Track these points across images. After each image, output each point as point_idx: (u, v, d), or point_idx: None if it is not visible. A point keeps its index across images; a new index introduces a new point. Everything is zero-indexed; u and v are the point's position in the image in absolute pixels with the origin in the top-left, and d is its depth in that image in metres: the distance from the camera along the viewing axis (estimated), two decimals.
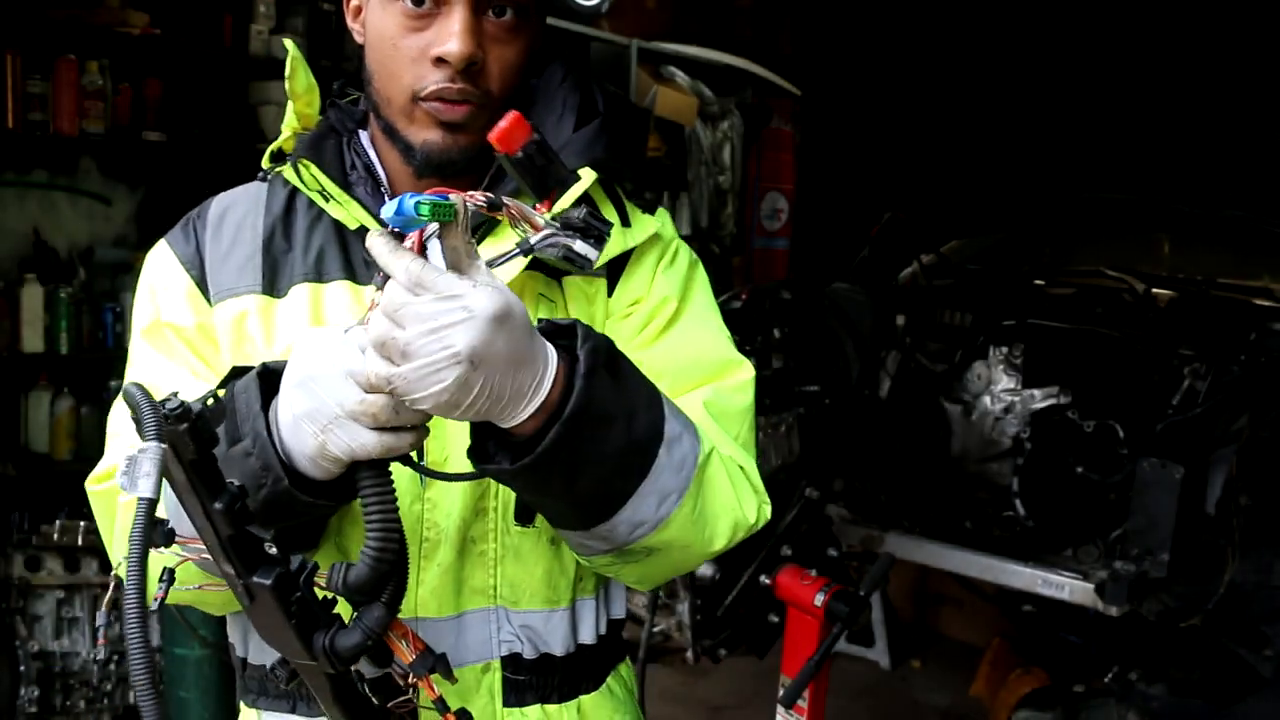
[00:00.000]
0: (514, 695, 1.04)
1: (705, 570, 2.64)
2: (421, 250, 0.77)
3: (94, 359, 3.19)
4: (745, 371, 1.10)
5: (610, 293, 1.07)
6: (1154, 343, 2.85)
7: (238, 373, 0.87)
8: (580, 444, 0.82)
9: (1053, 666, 3.33)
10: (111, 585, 0.76)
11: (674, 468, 0.91)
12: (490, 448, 0.85)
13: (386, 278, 0.77)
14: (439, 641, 0.98)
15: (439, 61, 0.96)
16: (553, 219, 0.84)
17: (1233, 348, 2.75)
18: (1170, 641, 2.89)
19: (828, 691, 1.95)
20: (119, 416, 1.03)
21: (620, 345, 0.93)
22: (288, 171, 1.05)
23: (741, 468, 1.03)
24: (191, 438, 0.72)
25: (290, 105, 1.06)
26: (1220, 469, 2.57)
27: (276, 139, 1.08)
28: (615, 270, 1.07)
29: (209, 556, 0.79)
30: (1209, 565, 2.58)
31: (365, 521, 0.80)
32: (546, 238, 0.83)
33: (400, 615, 0.94)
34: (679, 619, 3.83)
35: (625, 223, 1.08)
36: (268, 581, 0.77)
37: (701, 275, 1.13)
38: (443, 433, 0.99)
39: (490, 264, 0.81)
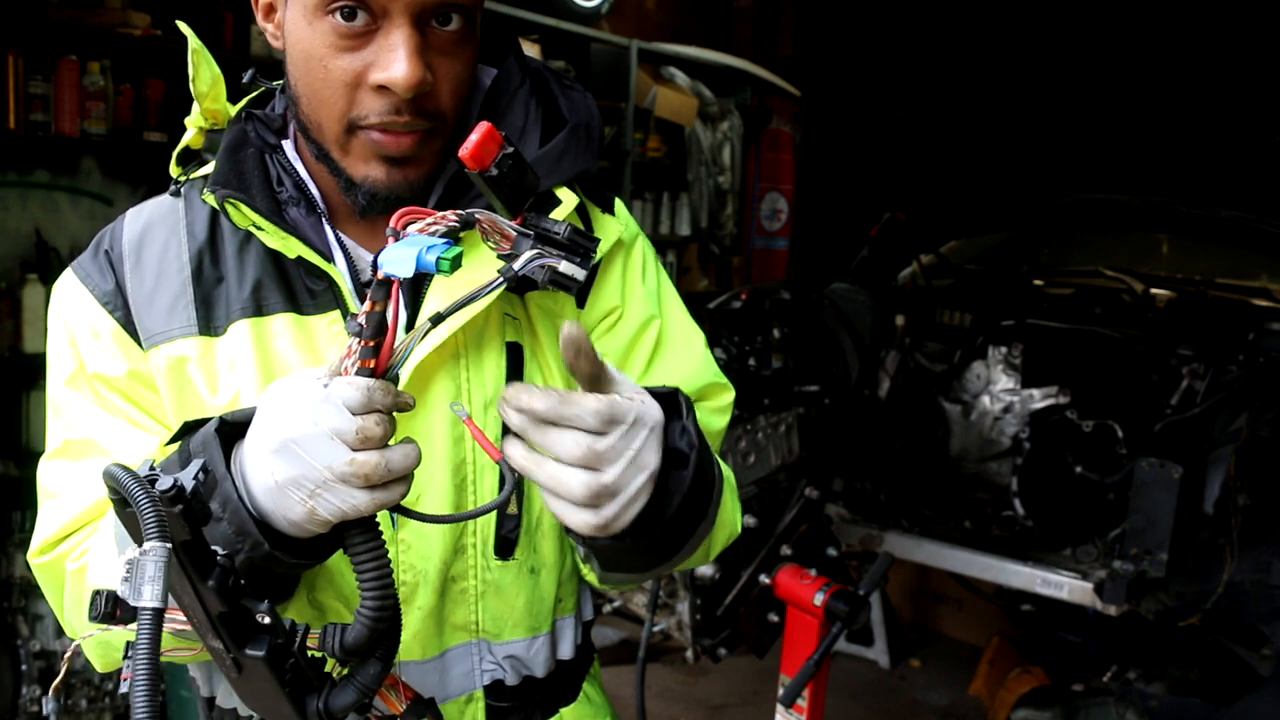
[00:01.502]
0: None
1: (705, 570, 2.64)
2: (400, 289, 0.74)
3: None
4: (728, 394, 1.09)
5: (581, 304, 1.02)
6: (1153, 343, 2.86)
7: (190, 427, 0.81)
8: (694, 507, 0.84)
9: (1052, 666, 3.34)
10: (64, 667, 0.72)
11: (718, 499, 0.92)
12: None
13: (362, 323, 0.73)
14: (422, 682, 0.97)
15: (381, 89, 0.84)
16: (526, 229, 0.80)
17: (1231, 348, 2.75)
18: (1169, 641, 2.90)
19: (827, 691, 1.95)
20: (54, 475, 0.95)
21: (609, 356, 0.97)
22: (210, 199, 0.94)
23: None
24: (186, 519, 0.66)
25: (196, 105, 0.97)
26: (1218, 469, 2.57)
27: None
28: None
29: (186, 628, 0.74)
30: (1207, 565, 2.58)
31: (360, 581, 0.75)
32: (530, 260, 0.78)
33: None
34: (679, 619, 3.83)
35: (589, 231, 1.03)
36: (260, 653, 0.72)
37: (661, 267, 1.09)
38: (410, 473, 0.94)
39: (473, 297, 0.76)
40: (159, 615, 0.60)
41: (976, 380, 3.05)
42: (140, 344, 0.94)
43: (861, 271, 3.57)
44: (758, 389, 2.77)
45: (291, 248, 0.91)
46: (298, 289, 0.94)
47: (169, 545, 0.61)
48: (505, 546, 0.98)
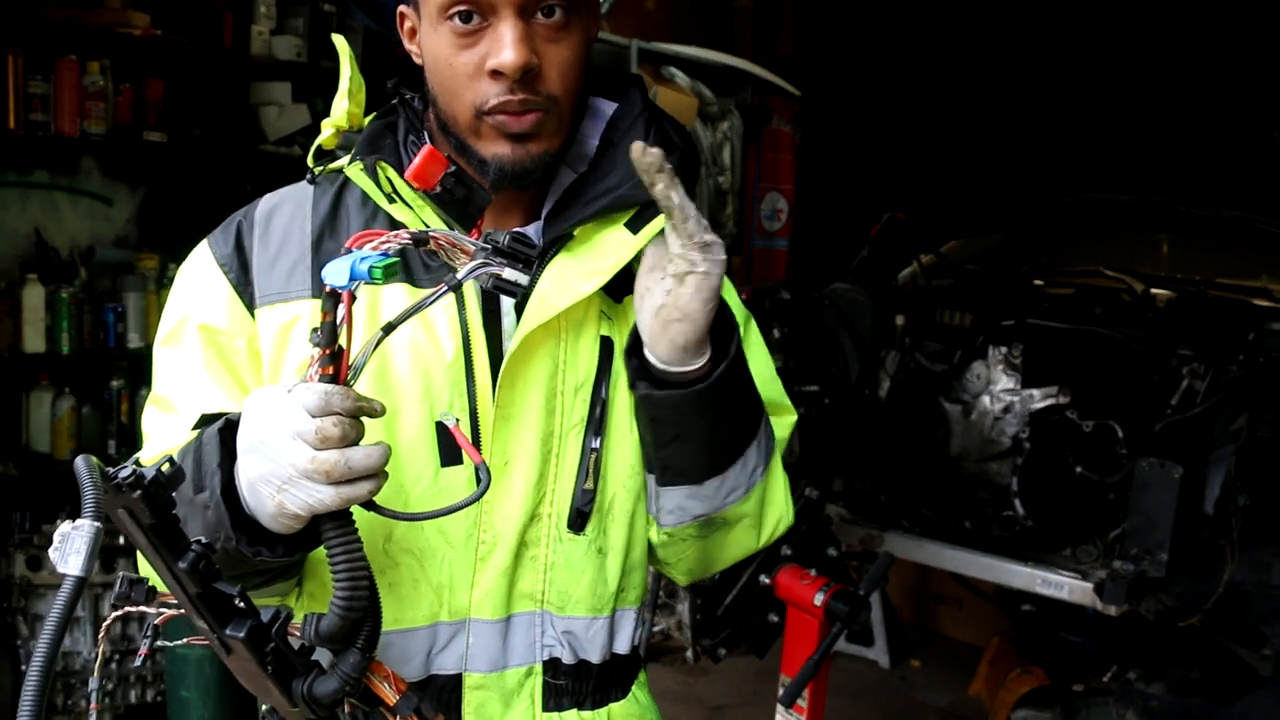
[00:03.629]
0: (552, 700, 1.08)
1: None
2: (352, 299, 0.80)
3: (95, 359, 3.19)
4: (790, 416, 1.24)
5: None
6: (1153, 343, 2.86)
7: (208, 420, 0.90)
8: (733, 386, 0.99)
9: (1052, 666, 3.34)
10: (109, 617, 0.80)
11: (766, 438, 1.08)
12: (644, 385, 0.98)
13: (321, 332, 0.80)
14: (487, 645, 1.04)
15: (495, 74, 0.97)
16: (485, 244, 0.85)
17: (1231, 348, 2.75)
18: (1169, 641, 2.89)
19: (827, 691, 1.95)
20: (149, 420, 1.07)
21: None
22: (353, 172, 1.05)
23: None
24: (146, 504, 0.73)
25: (343, 105, 1.07)
26: (1219, 469, 2.57)
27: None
28: None
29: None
30: (1208, 565, 2.58)
31: (332, 572, 0.82)
32: (475, 268, 0.84)
33: (453, 617, 1.02)
34: (679, 618, 3.83)
35: None
36: (240, 635, 0.79)
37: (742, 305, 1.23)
38: (505, 438, 1.02)
39: (420, 305, 0.84)
40: (80, 583, 0.67)
41: (977, 380, 3.04)
42: (250, 305, 1.04)
43: (861, 271, 3.56)
44: None
45: (419, 219, 1.02)
46: (414, 264, 1.03)
47: (98, 524, 0.68)
48: (578, 520, 1.06)
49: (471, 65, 0.97)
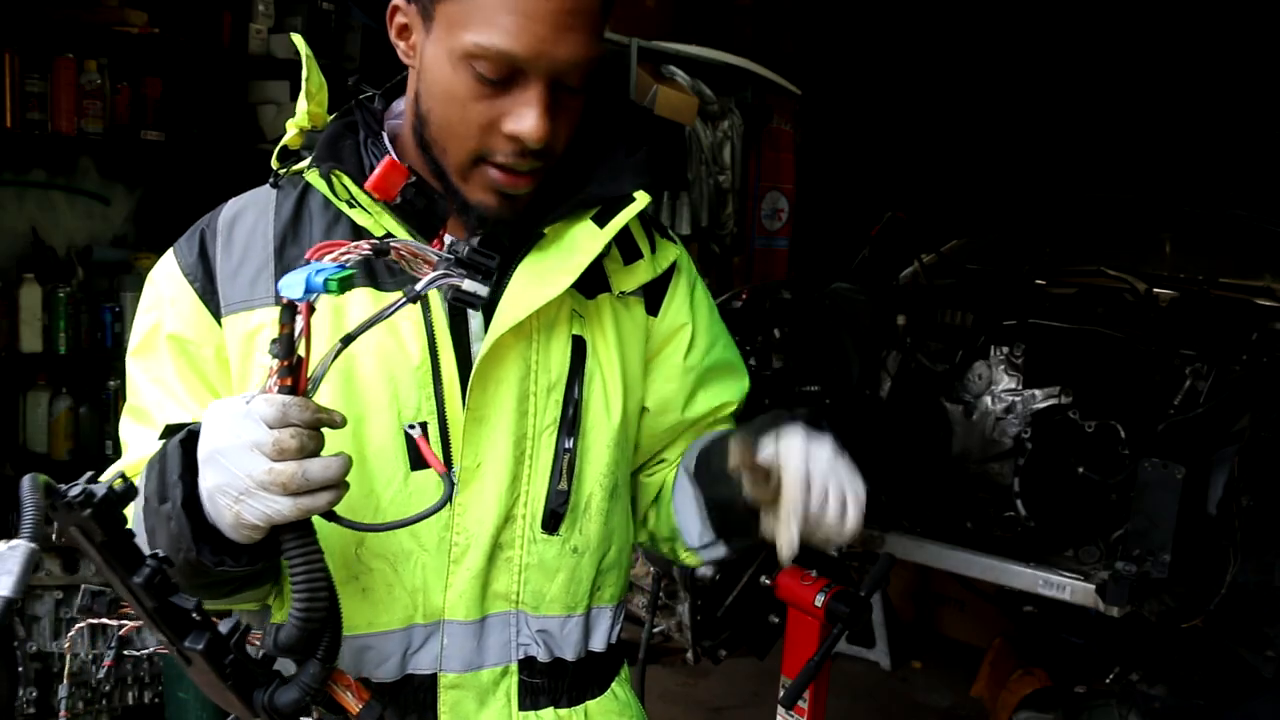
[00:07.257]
0: (529, 698, 1.08)
1: (705, 570, 2.62)
2: (310, 310, 0.80)
3: (92, 359, 3.18)
4: (745, 381, 1.27)
5: (655, 313, 1.15)
6: (1155, 342, 2.84)
7: (173, 430, 0.89)
8: None
9: (1054, 667, 3.32)
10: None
11: None
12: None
13: (279, 343, 0.80)
14: (462, 645, 1.04)
15: (512, 137, 0.95)
16: (447, 254, 0.85)
17: (1234, 347, 2.73)
18: (1172, 642, 2.88)
19: (828, 692, 1.94)
20: (125, 430, 1.07)
21: (675, 369, 1.14)
22: (312, 177, 1.03)
23: None
24: (97, 522, 0.74)
25: (304, 105, 1.05)
26: (1222, 469, 2.56)
27: (281, 138, 1.06)
28: (651, 292, 1.15)
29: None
30: (1211, 566, 2.56)
31: (291, 582, 0.82)
32: (435, 279, 0.84)
33: (427, 619, 1.02)
34: (679, 619, 3.82)
35: (653, 249, 1.16)
36: (199, 647, 0.80)
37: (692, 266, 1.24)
38: (477, 441, 1.02)
39: (380, 316, 0.83)
40: (9, 604, 0.67)
41: (978, 380, 3.02)
42: (216, 313, 1.03)
43: (862, 271, 3.55)
44: (758, 389, 2.75)
45: (379, 224, 1.01)
46: (378, 267, 1.02)
47: (33, 545, 0.68)
48: (553, 521, 1.06)
49: (487, 118, 0.95)
